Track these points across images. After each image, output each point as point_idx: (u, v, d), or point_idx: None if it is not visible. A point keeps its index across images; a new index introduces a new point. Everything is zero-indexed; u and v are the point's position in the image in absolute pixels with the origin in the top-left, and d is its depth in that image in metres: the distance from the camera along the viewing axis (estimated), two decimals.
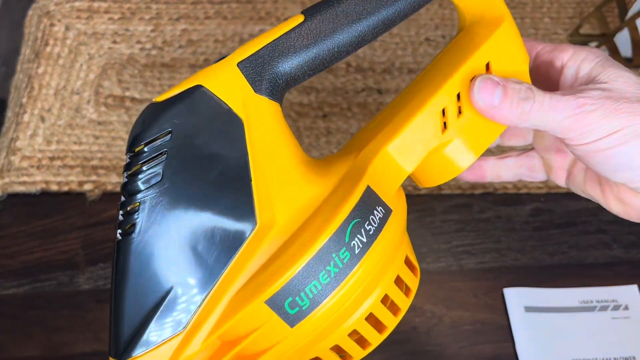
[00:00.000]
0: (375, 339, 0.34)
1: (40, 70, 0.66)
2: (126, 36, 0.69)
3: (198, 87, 0.32)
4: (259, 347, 0.32)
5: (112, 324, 0.32)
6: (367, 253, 0.32)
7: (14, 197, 0.60)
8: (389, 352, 0.53)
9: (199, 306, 0.31)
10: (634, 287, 0.56)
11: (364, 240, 0.31)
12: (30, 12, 0.71)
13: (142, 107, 0.65)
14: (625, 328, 0.54)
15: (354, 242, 0.31)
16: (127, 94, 0.66)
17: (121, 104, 0.65)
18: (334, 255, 0.31)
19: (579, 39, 0.69)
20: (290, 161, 0.33)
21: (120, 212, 0.32)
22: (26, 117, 0.64)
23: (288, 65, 0.33)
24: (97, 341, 0.53)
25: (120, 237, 0.31)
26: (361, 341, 0.34)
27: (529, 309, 0.54)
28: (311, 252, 0.30)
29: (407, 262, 0.35)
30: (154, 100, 0.32)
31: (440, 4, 0.72)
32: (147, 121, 0.32)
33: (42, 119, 0.64)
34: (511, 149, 0.49)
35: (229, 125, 0.32)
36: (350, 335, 0.33)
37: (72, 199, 0.60)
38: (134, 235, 0.31)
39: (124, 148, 0.62)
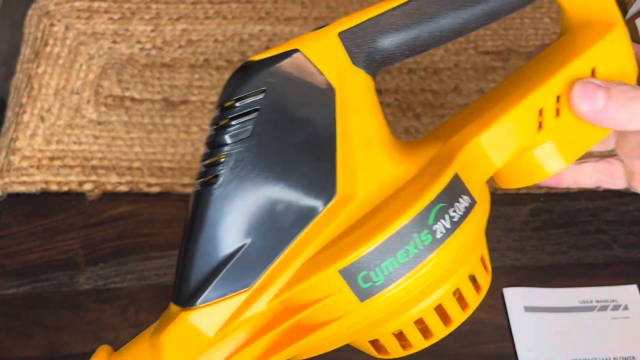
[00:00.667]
0: (440, 331, 0.33)
1: (40, 70, 0.66)
2: (126, 36, 0.69)
3: (295, 51, 0.32)
4: (322, 318, 0.31)
5: (180, 271, 0.32)
6: (448, 240, 0.31)
7: (14, 197, 0.60)
8: None
9: (269, 266, 0.31)
10: (634, 287, 0.56)
11: (448, 226, 0.31)
12: (30, 12, 0.71)
13: (142, 107, 0.65)
14: (625, 328, 0.54)
15: (436, 226, 0.31)
16: (127, 94, 0.66)
17: (121, 104, 0.65)
18: (415, 235, 0.30)
19: None
20: (377, 137, 0.33)
21: (202, 163, 0.32)
22: (26, 117, 0.64)
23: (388, 41, 0.33)
24: (97, 341, 0.53)
25: (199, 187, 0.32)
26: (425, 331, 0.33)
27: (528, 309, 0.54)
28: (393, 228, 0.30)
29: (482, 260, 0.35)
30: (250, 58, 0.32)
31: None
32: (242, 78, 0.32)
33: (42, 119, 0.64)
34: (590, 154, 0.48)
35: (322, 93, 0.32)
36: (416, 322, 0.33)
37: (72, 198, 0.60)
38: (215, 186, 0.31)
39: (124, 148, 0.62)
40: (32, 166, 0.61)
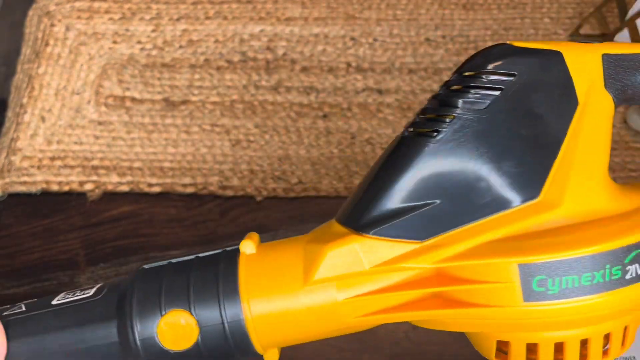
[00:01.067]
0: None
1: (40, 71, 0.67)
2: (126, 36, 0.69)
3: (557, 53, 0.33)
4: (474, 299, 0.32)
5: (365, 197, 0.32)
6: (635, 285, 0.31)
7: (14, 197, 0.60)
8: (389, 351, 0.53)
9: (448, 231, 0.32)
10: None
11: (639, 272, 0.31)
12: (30, 12, 0.71)
13: (143, 107, 0.65)
14: None
15: (630, 267, 0.31)
16: (128, 94, 0.66)
17: (121, 104, 0.65)
18: (607, 266, 0.30)
19: (579, 39, 0.69)
20: (598, 164, 0.33)
21: (422, 115, 0.33)
22: (27, 117, 0.64)
23: None
24: None
25: (411, 134, 0.32)
26: (558, 357, 0.33)
27: None
28: (592, 249, 0.30)
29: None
30: (508, 42, 0.33)
31: (441, 4, 0.72)
32: (497, 56, 0.33)
33: (43, 119, 0.64)
34: None
35: (565, 100, 0.33)
36: (556, 344, 0.32)
37: (72, 199, 0.60)
38: (432, 140, 0.32)
39: (125, 148, 0.62)
40: (32, 166, 0.61)
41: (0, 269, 0.56)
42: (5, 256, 0.57)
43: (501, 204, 0.32)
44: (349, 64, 0.68)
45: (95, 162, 0.62)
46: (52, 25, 0.70)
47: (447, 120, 0.32)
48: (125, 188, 0.60)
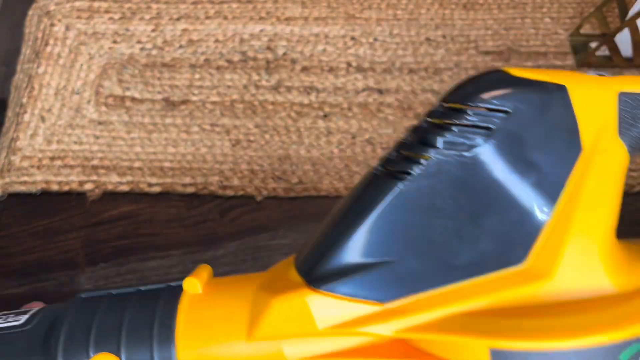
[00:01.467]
0: None
1: (40, 70, 0.66)
2: (126, 36, 0.69)
3: (561, 87, 0.27)
4: None
5: (322, 246, 0.28)
6: None
7: (14, 197, 0.60)
8: None
9: (414, 295, 0.27)
10: None
11: None
12: (30, 12, 0.71)
13: (143, 107, 0.65)
14: None
15: None
16: (128, 93, 0.66)
17: (121, 104, 0.65)
18: None
19: (579, 39, 0.69)
20: (604, 227, 0.28)
21: (398, 150, 0.28)
22: (26, 117, 0.64)
23: None
24: None
25: (382, 172, 0.28)
26: None
27: None
28: (578, 342, 0.25)
29: None
30: (504, 68, 0.28)
31: (441, 3, 0.72)
32: (491, 87, 0.27)
33: (43, 119, 0.64)
34: None
35: (565, 146, 0.27)
36: None
37: (72, 198, 0.60)
38: (400, 184, 0.27)
39: (125, 148, 0.62)
40: (32, 166, 0.61)
41: (0, 269, 0.56)
42: (5, 256, 0.57)
43: (478, 268, 0.27)
44: (349, 64, 0.68)
45: (95, 162, 0.61)
46: (52, 25, 0.70)
47: (422, 161, 0.27)
48: (125, 188, 0.60)
